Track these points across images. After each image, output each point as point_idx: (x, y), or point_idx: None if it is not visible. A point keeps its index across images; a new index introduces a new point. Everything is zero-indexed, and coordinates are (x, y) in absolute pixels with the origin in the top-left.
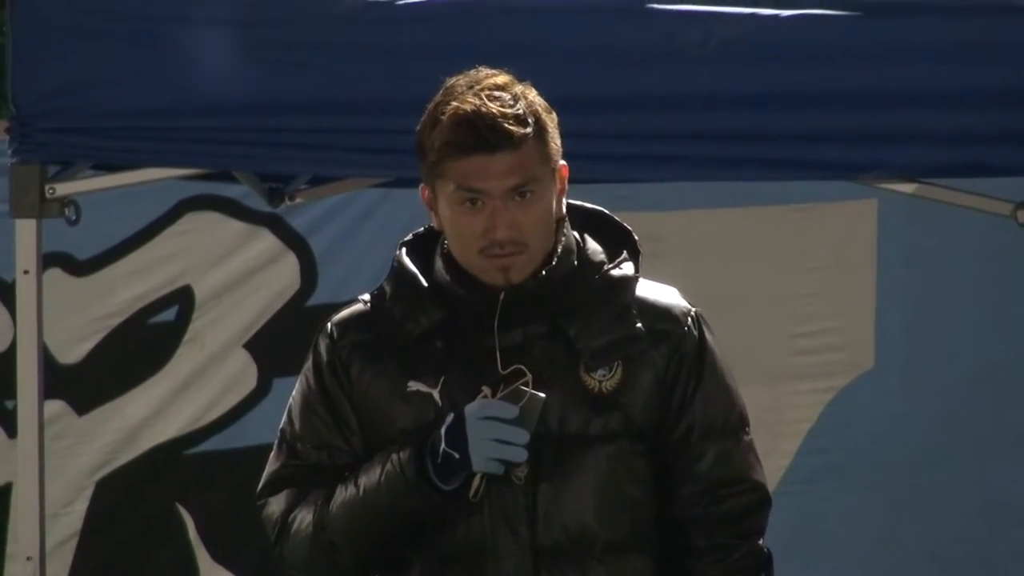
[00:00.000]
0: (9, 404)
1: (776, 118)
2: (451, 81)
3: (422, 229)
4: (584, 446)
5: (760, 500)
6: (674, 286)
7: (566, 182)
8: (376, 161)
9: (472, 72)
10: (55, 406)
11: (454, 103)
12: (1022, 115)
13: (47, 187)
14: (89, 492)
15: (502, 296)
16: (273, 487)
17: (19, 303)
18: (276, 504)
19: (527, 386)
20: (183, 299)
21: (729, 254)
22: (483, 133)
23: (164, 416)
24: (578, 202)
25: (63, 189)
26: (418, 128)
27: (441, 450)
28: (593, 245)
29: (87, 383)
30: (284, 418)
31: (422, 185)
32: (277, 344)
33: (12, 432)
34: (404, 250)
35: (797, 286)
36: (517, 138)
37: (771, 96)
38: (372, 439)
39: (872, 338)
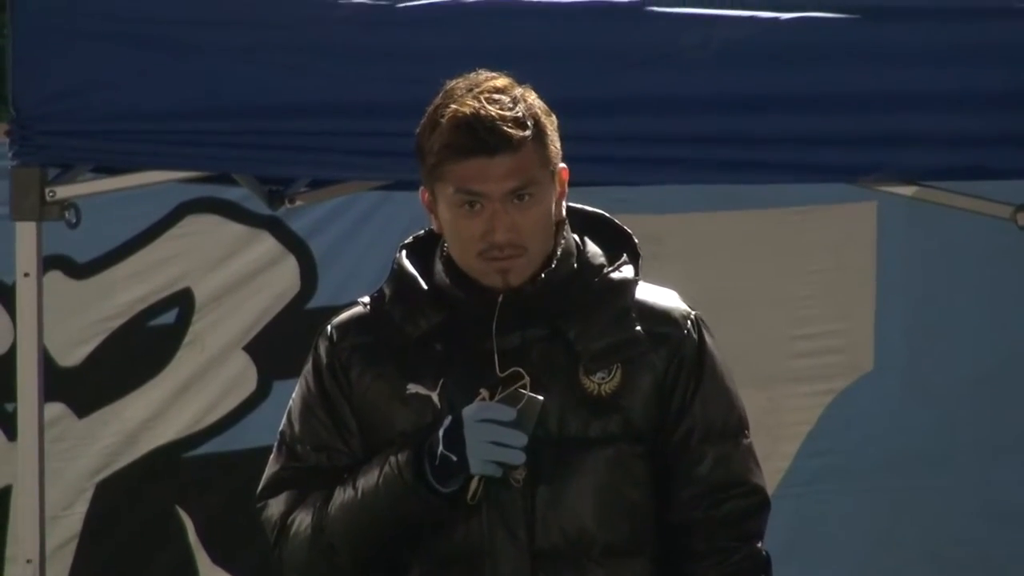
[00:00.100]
0: (9, 407)
1: (776, 121)
2: (451, 84)
3: (422, 232)
4: (583, 449)
5: (759, 503)
6: (674, 289)
7: (566, 185)
8: (376, 164)
9: (472, 75)
10: (55, 409)
11: (453, 106)
12: (1022, 118)
13: (47, 190)
14: (89, 494)
15: (500, 299)
16: (273, 489)
17: (19, 306)
18: (276, 506)
19: (525, 389)
20: (183, 302)
21: (729, 257)
22: (482, 136)
23: (164, 418)
24: (578, 205)
25: (63, 192)
26: (418, 131)
27: (439, 452)
28: (593, 248)
29: (87, 386)
30: (284, 420)
31: (422, 188)
32: (277, 347)
33: (12, 435)
34: (404, 253)
35: (797, 288)
36: (516, 141)
37: (771, 99)
38: (371, 441)
39: (872, 340)
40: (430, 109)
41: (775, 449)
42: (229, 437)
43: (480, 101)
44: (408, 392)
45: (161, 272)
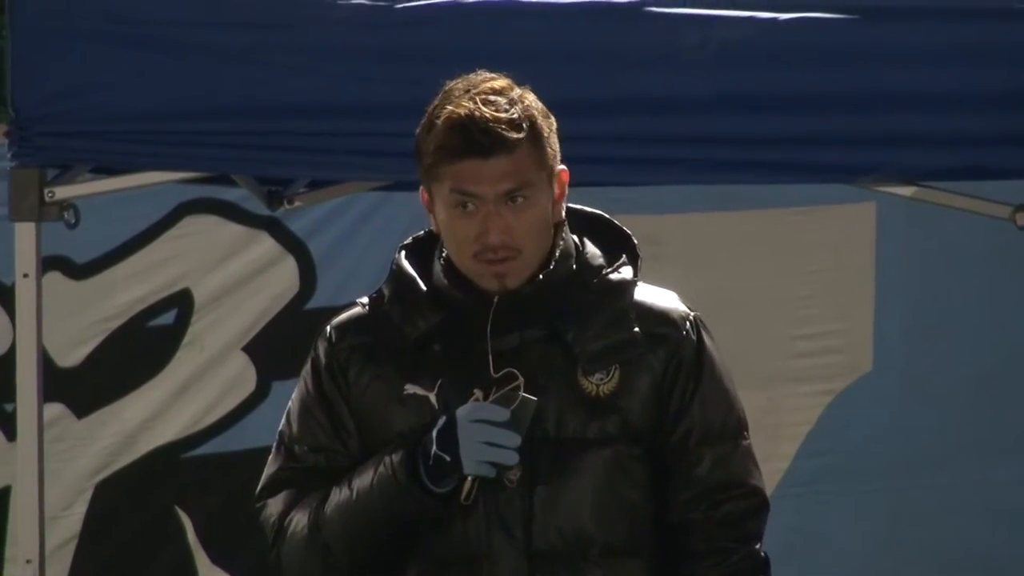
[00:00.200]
0: (8, 407)
1: (775, 121)
2: (450, 84)
3: (422, 233)
4: (581, 449)
5: (758, 504)
6: (673, 289)
7: (566, 187)
8: (375, 164)
9: (471, 76)
10: (54, 409)
11: (449, 107)
12: (1021, 118)
13: (46, 190)
14: (88, 495)
15: (496, 300)
16: (271, 489)
17: (18, 306)
18: (274, 506)
19: (519, 390)
20: (182, 302)
21: (728, 257)
22: (476, 138)
23: (163, 419)
24: (577, 205)
25: (62, 192)
26: (417, 131)
27: (432, 453)
28: (592, 249)
29: (86, 386)
30: (283, 420)
31: (422, 188)
32: (276, 347)
33: (11, 435)
34: (403, 253)
35: (796, 289)
36: (510, 143)
37: (770, 99)
38: (369, 442)
39: (871, 341)
40: (429, 109)
41: (775, 449)
42: (228, 437)
43: (476, 102)
44: (406, 392)
45: (160, 273)
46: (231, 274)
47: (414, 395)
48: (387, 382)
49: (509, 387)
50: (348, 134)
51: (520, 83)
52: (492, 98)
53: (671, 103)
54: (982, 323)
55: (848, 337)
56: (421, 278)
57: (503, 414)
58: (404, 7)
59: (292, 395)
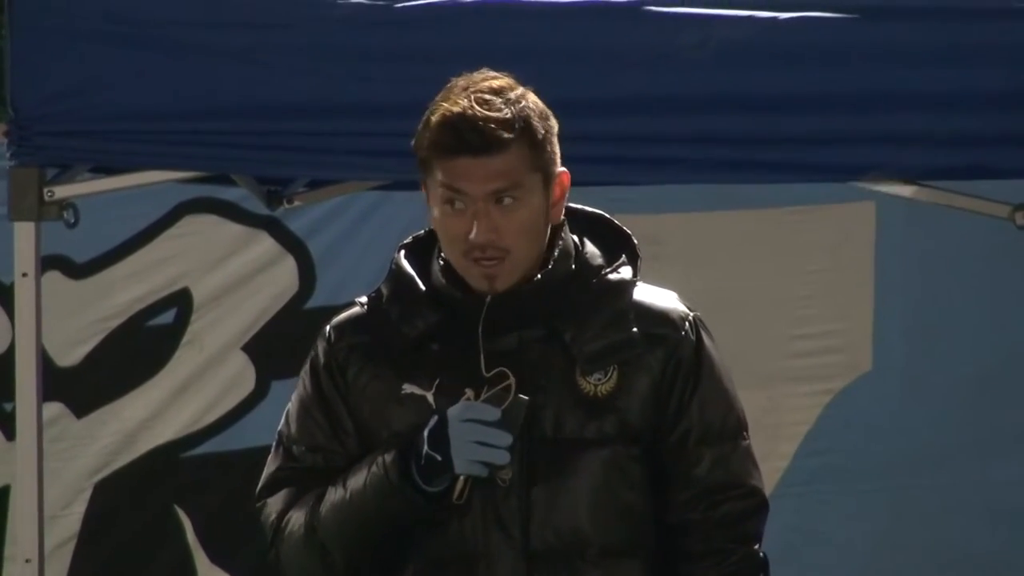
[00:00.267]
0: (8, 406)
1: (774, 120)
2: (453, 81)
3: (422, 232)
4: (579, 450)
5: (757, 505)
6: (672, 289)
7: (566, 189)
8: (375, 164)
9: (475, 73)
10: (54, 408)
11: (446, 104)
12: (1020, 117)
13: (45, 190)
14: (88, 494)
15: (488, 300)
16: (270, 489)
17: (18, 306)
18: (273, 506)
19: (511, 389)
20: (181, 302)
21: (727, 257)
22: (465, 136)
23: (162, 418)
24: (578, 205)
25: (61, 192)
26: (419, 126)
27: (424, 452)
28: (591, 249)
29: (85, 385)
30: (282, 420)
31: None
32: (275, 346)
33: (11, 434)
34: (403, 252)
35: (795, 288)
36: (501, 143)
37: (769, 98)
38: (368, 441)
39: (870, 340)
40: (430, 105)
41: (774, 449)
42: (227, 437)
43: (471, 100)
44: (403, 392)
45: (159, 272)
46: (230, 273)
47: (411, 395)
48: (385, 382)
49: (500, 386)
50: (348, 134)
51: (523, 83)
52: (488, 97)
53: (671, 103)
54: (982, 323)
55: (847, 337)
56: (420, 277)
57: (494, 413)
58: (404, 7)
59: (292, 395)
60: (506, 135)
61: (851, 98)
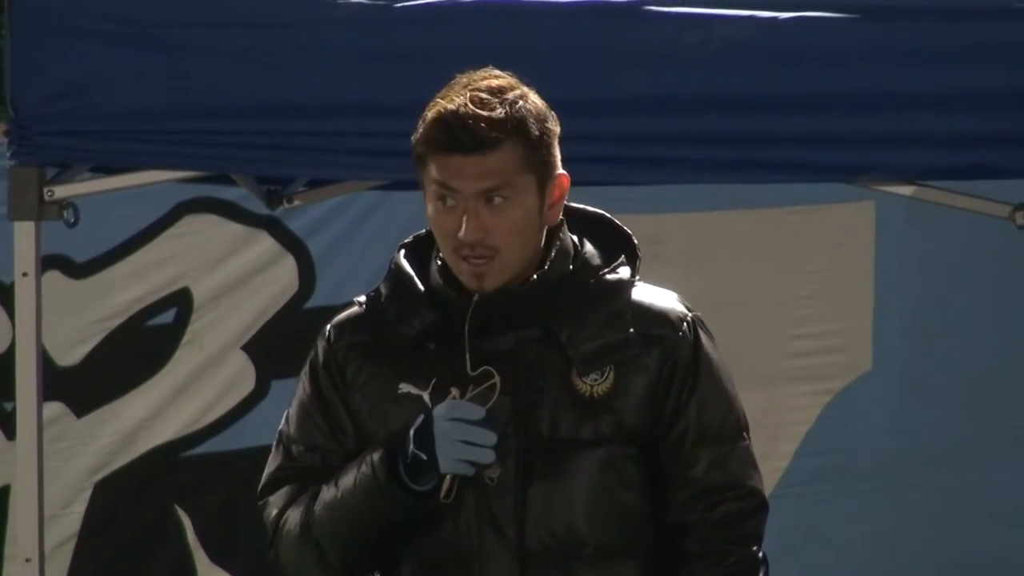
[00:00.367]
0: (8, 406)
1: (774, 120)
2: (457, 77)
3: (423, 232)
4: (574, 450)
5: (756, 506)
6: (672, 288)
7: (565, 191)
8: (374, 164)
9: (478, 71)
10: (54, 408)
11: (443, 100)
12: (1020, 117)
13: (46, 189)
14: (88, 494)
15: (475, 299)
16: (270, 488)
17: (18, 305)
18: (273, 505)
19: (495, 388)
20: (181, 301)
21: (727, 257)
22: (457, 134)
23: (162, 418)
24: (578, 205)
25: (61, 191)
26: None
27: (410, 451)
28: (590, 249)
29: (86, 385)
30: (283, 419)
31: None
32: (275, 346)
33: (11, 434)
34: (402, 252)
35: (795, 288)
36: (492, 142)
37: (769, 98)
38: (367, 441)
39: (870, 340)
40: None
41: (774, 449)
42: (227, 436)
43: (466, 98)
44: (400, 391)
45: (159, 272)
46: (230, 273)
47: (408, 394)
48: (383, 381)
49: (485, 385)
50: (348, 134)
51: (523, 83)
52: (484, 96)
53: (671, 102)
54: (982, 323)
55: (847, 337)
56: (419, 277)
57: (479, 412)
58: (404, 7)
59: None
60: (498, 135)
61: (851, 98)
